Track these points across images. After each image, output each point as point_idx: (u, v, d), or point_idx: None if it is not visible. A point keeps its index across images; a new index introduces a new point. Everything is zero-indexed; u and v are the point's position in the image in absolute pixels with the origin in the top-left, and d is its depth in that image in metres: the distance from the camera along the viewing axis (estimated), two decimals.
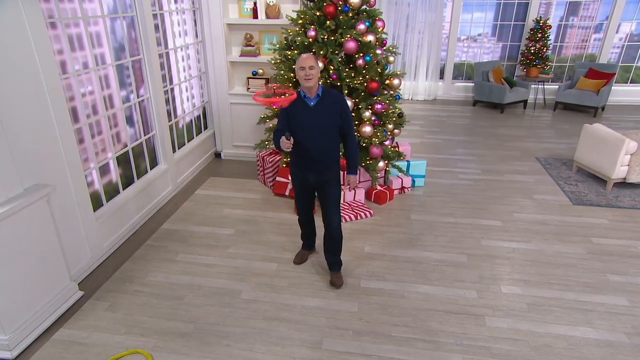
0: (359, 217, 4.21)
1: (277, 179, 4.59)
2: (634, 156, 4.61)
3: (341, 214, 3.59)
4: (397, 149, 4.64)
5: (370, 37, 3.92)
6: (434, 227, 4.07)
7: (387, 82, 4.22)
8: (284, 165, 4.60)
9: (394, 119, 4.36)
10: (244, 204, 4.51)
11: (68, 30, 3.19)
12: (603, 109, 7.99)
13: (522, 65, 8.39)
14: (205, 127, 5.70)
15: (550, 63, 8.36)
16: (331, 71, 3.95)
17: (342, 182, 3.20)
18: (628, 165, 4.67)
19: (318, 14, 3.99)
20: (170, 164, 4.62)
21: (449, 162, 5.62)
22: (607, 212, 4.36)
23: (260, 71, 5.24)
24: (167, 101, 4.57)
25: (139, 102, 4.12)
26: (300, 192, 3.21)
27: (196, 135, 5.44)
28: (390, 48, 4.27)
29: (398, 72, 4.31)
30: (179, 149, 4.96)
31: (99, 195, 3.65)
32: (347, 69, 4.00)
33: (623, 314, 2.99)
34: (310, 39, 3.98)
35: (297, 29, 4.15)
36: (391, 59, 4.24)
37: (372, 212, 4.28)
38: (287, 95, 2.79)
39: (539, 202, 4.57)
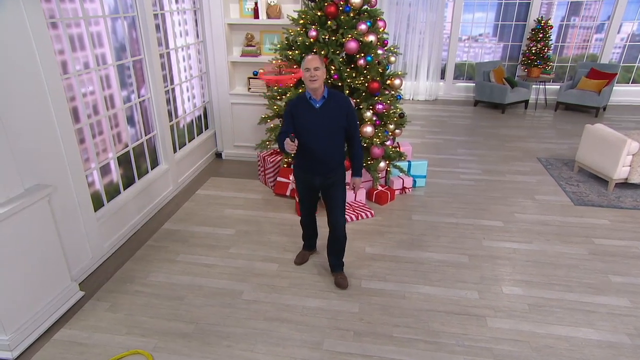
0: (360, 218, 4.20)
1: (278, 179, 4.58)
2: (636, 157, 4.60)
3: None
4: (398, 149, 4.63)
5: (371, 37, 3.91)
6: (435, 228, 4.07)
7: (388, 82, 4.21)
8: (285, 166, 4.59)
9: (395, 119, 4.35)
10: (245, 204, 4.50)
11: (69, 30, 3.19)
12: (604, 109, 7.97)
13: (524, 66, 8.38)
14: (206, 127, 5.70)
15: (551, 63, 8.34)
16: (332, 71, 3.94)
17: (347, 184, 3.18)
18: (630, 166, 4.66)
19: (319, 14, 3.98)
20: (171, 164, 4.61)
21: (450, 163, 5.61)
22: (609, 212, 4.35)
23: (261, 71, 5.23)
24: (168, 101, 4.56)
25: (139, 102, 4.11)
26: (304, 194, 3.19)
27: (197, 136, 5.43)
28: (392, 48, 4.26)
29: (399, 72, 4.30)
30: (179, 149, 4.96)
31: (99, 195, 3.65)
32: (348, 69, 3.99)
33: (625, 315, 2.98)
34: (312, 39, 3.97)
35: (298, 29, 4.14)
36: (392, 59, 4.23)
37: (373, 212, 4.27)
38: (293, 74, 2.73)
39: (540, 202, 4.56)
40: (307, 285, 3.28)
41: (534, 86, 8.33)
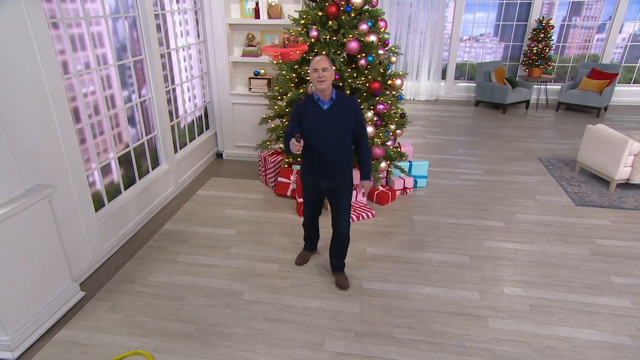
0: (361, 218, 4.20)
1: (279, 179, 4.58)
2: (638, 157, 4.58)
3: None
4: (399, 149, 4.62)
5: (372, 38, 3.90)
6: (436, 228, 4.06)
7: (390, 82, 4.21)
8: (286, 166, 4.59)
9: (396, 119, 4.35)
10: (246, 205, 4.50)
11: (70, 31, 3.18)
12: (606, 109, 7.96)
13: (525, 66, 8.37)
14: (207, 128, 5.69)
15: (552, 63, 8.33)
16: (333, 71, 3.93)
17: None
18: (631, 166, 4.64)
19: (320, 14, 3.98)
20: (172, 164, 4.61)
21: (451, 163, 5.61)
22: (610, 213, 4.34)
23: (262, 71, 5.23)
24: (168, 101, 4.56)
25: (140, 102, 4.11)
26: (310, 197, 3.16)
27: (198, 136, 5.43)
28: (393, 48, 4.25)
29: (400, 73, 4.30)
30: (180, 149, 4.96)
31: (100, 195, 3.65)
32: (349, 69, 3.99)
33: (627, 316, 2.97)
34: (313, 39, 3.96)
35: (299, 29, 4.14)
36: (393, 59, 4.22)
37: (374, 212, 4.27)
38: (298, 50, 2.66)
39: (541, 203, 4.55)
40: (308, 285, 3.28)
41: (535, 86, 8.32)
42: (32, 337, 2.72)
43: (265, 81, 5.19)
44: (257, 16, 4.96)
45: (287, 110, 4.31)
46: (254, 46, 5.13)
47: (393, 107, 4.29)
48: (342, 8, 3.90)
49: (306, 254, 3.56)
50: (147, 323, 2.90)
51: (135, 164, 4.08)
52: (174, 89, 4.74)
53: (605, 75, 7.63)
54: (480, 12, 8.64)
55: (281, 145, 4.76)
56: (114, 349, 2.69)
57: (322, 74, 2.70)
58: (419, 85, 8.94)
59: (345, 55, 4.06)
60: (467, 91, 8.97)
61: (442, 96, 9.12)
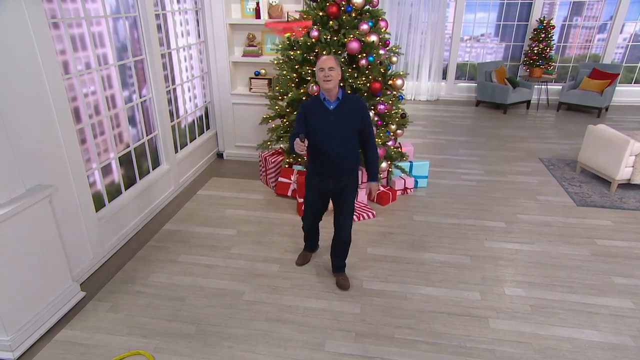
0: (361, 218, 4.19)
1: (280, 179, 4.58)
2: (639, 157, 4.58)
3: None
4: (399, 149, 4.62)
5: (373, 38, 3.90)
6: (437, 228, 4.06)
7: (390, 82, 4.20)
8: (286, 166, 4.59)
9: (397, 119, 4.34)
10: (246, 205, 4.50)
11: (71, 31, 3.18)
12: (607, 109, 7.95)
13: (525, 66, 8.36)
14: (208, 128, 5.69)
15: (553, 63, 8.33)
16: None
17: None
18: (632, 167, 4.64)
19: (321, 14, 3.97)
20: (173, 164, 4.61)
21: (451, 163, 5.60)
22: (611, 213, 4.33)
23: (263, 71, 5.23)
24: (169, 101, 4.56)
25: (141, 102, 4.11)
26: (313, 200, 3.10)
27: (198, 136, 5.43)
28: (393, 48, 4.25)
29: (401, 73, 4.29)
30: (181, 149, 4.96)
31: (101, 195, 3.64)
32: (350, 69, 3.98)
33: (628, 316, 2.96)
34: (313, 39, 3.96)
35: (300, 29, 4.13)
36: (394, 59, 4.22)
37: (374, 213, 4.26)
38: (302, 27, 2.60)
39: (542, 203, 4.55)
40: (309, 286, 3.27)
41: (535, 86, 8.31)
42: (32, 337, 2.72)
43: (266, 81, 5.18)
44: (258, 16, 4.96)
45: (287, 110, 4.31)
46: (255, 46, 5.13)
47: (394, 107, 4.28)
48: (342, 8, 3.90)
49: (307, 255, 3.55)
50: (148, 323, 2.90)
51: (136, 164, 4.08)
52: (174, 89, 4.74)
53: (606, 75, 7.62)
54: (481, 12, 8.64)
55: (282, 145, 4.76)
56: (114, 349, 2.69)
57: (329, 73, 2.67)
58: (419, 86, 8.94)
59: (346, 55, 4.06)
60: (468, 91, 8.97)
61: (442, 96, 9.11)
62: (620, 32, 8.15)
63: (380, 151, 4.15)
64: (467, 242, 3.83)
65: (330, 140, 2.79)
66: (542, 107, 8.32)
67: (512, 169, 5.43)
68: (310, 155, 2.88)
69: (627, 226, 4.09)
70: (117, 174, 3.84)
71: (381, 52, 4.03)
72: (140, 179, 4.17)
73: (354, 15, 3.94)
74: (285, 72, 4.23)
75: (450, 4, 8.47)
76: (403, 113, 4.43)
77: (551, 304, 3.08)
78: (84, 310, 3.02)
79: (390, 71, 4.26)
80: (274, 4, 4.90)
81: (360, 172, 3.04)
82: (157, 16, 4.22)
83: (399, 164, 4.63)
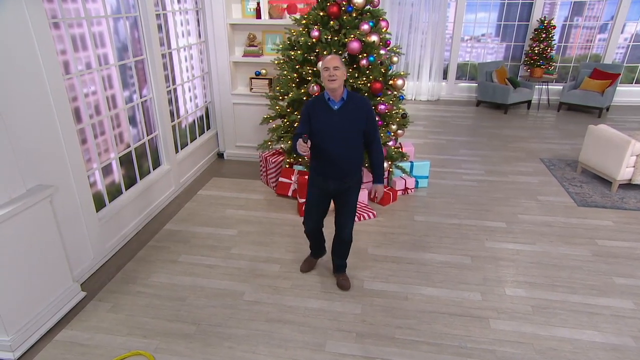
0: (362, 218, 4.19)
1: (280, 179, 4.57)
2: None
3: None
4: (400, 149, 4.62)
5: (374, 38, 3.89)
6: (438, 229, 4.05)
7: (391, 82, 4.20)
8: (287, 166, 4.59)
9: (398, 119, 4.34)
10: (247, 205, 4.50)
11: (71, 31, 3.18)
12: (608, 109, 7.94)
13: (526, 66, 8.36)
14: (208, 128, 5.69)
15: (554, 63, 8.32)
16: None
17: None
18: (633, 167, 4.63)
19: (321, 14, 3.97)
20: (173, 164, 4.61)
21: (452, 163, 5.60)
22: (612, 213, 4.33)
23: (264, 71, 5.23)
24: (170, 101, 4.56)
25: (142, 102, 4.11)
26: (315, 201, 3.02)
27: (199, 136, 5.43)
28: (394, 48, 4.24)
29: (401, 73, 4.29)
30: (181, 149, 4.96)
31: (101, 195, 3.64)
32: (350, 69, 3.98)
33: (629, 317, 2.96)
34: (314, 39, 3.96)
35: (301, 29, 4.13)
36: (395, 59, 4.22)
37: (375, 213, 4.26)
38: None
39: (543, 203, 4.54)
40: (309, 286, 3.27)
41: (536, 86, 8.30)
42: (33, 338, 2.72)
43: (267, 81, 5.18)
44: (259, 16, 4.96)
45: (288, 110, 4.30)
46: (255, 46, 5.13)
47: (394, 107, 4.28)
48: (343, 8, 3.90)
49: (312, 261, 3.45)
50: (148, 323, 2.90)
51: (136, 164, 4.08)
52: (175, 89, 4.74)
53: (607, 76, 7.61)
54: (482, 12, 8.63)
55: (282, 145, 4.76)
56: (114, 350, 2.69)
57: (334, 72, 2.63)
58: (420, 86, 8.93)
59: (346, 55, 4.05)
60: (469, 91, 8.96)
61: (443, 96, 9.10)
62: (621, 32, 8.14)
63: None
64: (468, 243, 3.83)
65: (333, 141, 2.75)
66: (542, 107, 8.31)
67: (512, 169, 5.42)
68: (313, 155, 2.85)
69: (628, 226, 4.09)
70: (117, 174, 3.84)
71: (382, 52, 4.03)
72: (140, 179, 4.17)
73: (354, 15, 3.93)
74: (285, 72, 4.23)
75: (451, 4, 8.46)
76: (404, 113, 4.43)
77: (552, 305, 3.07)
78: (85, 311, 3.02)
79: (391, 71, 4.26)
80: (274, 4, 4.89)
81: (362, 171, 3.00)
82: (158, 16, 4.22)
83: (400, 164, 4.62)
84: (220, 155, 5.82)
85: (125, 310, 3.02)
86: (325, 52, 3.91)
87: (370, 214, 4.22)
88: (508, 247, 3.76)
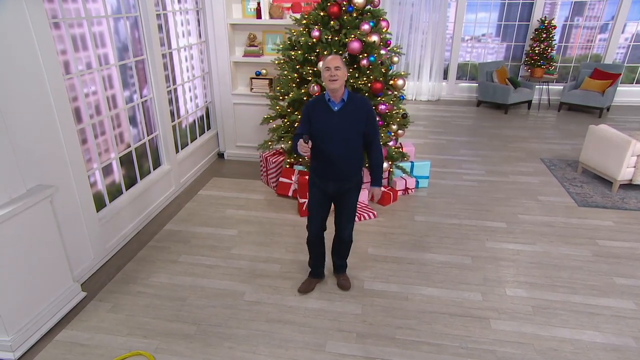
0: (362, 219, 4.19)
1: (280, 179, 4.57)
2: None
3: None
4: (400, 149, 4.61)
5: (374, 38, 3.89)
6: (438, 229, 4.05)
7: (391, 82, 4.20)
8: (287, 166, 4.58)
9: (398, 119, 4.34)
10: (247, 205, 4.49)
11: (72, 31, 3.18)
12: (608, 109, 7.93)
13: (527, 66, 8.35)
14: (209, 128, 5.69)
15: (554, 63, 8.31)
16: None
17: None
18: (634, 167, 4.63)
19: (322, 14, 3.97)
20: (173, 164, 4.61)
21: (453, 163, 5.59)
22: (613, 214, 4.32)
23: (264, 71, 5.22)
24: (170, 101, 4.56)
25: (142, 102, 4.11)
26: (316, 203, 2.95)
27: (199, 136, 5.43)
28: (395, 48, 4.24)
29: (402, 73, 4.29)
30: (182, 149, 4.95)
31: (102, 195, 3.64)
32: (351, 69, 3.98)
33: (630, 317, 2.95)
34: (314, 39, 3.96)
35: (301, 29, 4.13)
36: (395, 59, 4.21)
37: (375, 213, 4.26)
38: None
39: (544, 203, 4.54)
40: None
41: (537, 86, 8.29)
42: (33, 338, 2.72)
43: (267, 81, 5.18)
44: (259, 16, 4.96)
45: (288, 110, 4.30)
46: (256, 46, 5.12)
47: (395, 108, 4.28)
48: (344, 8, 3.89)
49: (312, 282, 3.25)
50: (148, 324, 2.89)
51: (137, 164, 4.08)
52: (175, 89, 4.74)
53: (607, 76, 7.60)
54: (482, 12, 8.63)
55: (282, 145, 4.76)
56: (115, 350, 2.68)
57: (335, 72, 2.60)
58: (420, 86, 8.93)
59: (347, 55, 4.05)
60: (469, 91, 8.96)
61: (443, 96, 9.10)
62: (622, 32, 8.14)
63: None
64: (468, 243, 3.82)
65: (333, 143, 2.72)
66: (543, 107, 8.30)
67: (513, 169, 5.42)
68: (312, 156, 2.82)
69: (629, 227, 4.08)
70: (117, 174, 3.84)
71: (382, 52, 4.03)
72: (141, 179, 4.17)
73: (355, 15, 3.93)
74: (286, 72, 4.23)
75: (451, 4, 8.46)
76: (404, 113, 4.42)
77: (553, 305, 3.07)
78: (85, 311, 3.02)
79: (391, 71, 4.26)
80: (274, 4, 4.89)
81: (362, 172, 2.98)
82: (158, 16, 4.22)
83: (400, 164, 4.62)
84: (220, 155, 5.82)
85: (125, 310, 3.02)
86: (325, 52, 3.91)
87: (370, 214, 4.22)
88: (508, 247, 3.75)
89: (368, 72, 3.98)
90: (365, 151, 2.89)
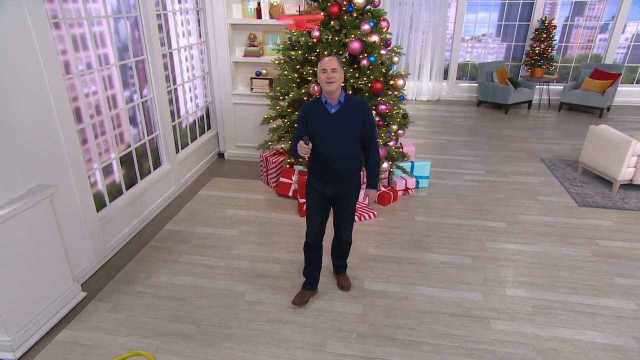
0: (362, 219, 4.19)
1: (281, 179, 4.57)
2: None
3: None
4: (401, 149, 4.61)
5: (374, 38, 3.89)
6: (438, 229, 4.05)
7: (392, 82, 4.20)
8: (287, 166, 4.58)
9: (398, 119, 4.34)
10: (247, 205, 4.49)
11: (72, 31, 3.18)
12: (608, 109, 7.93)
13: (527, 66, 8.35)
14: (209, 128, 5.69)
15: (555, 63, 8.31)
16: None
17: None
18: (634, 167, 4.63)
19: (322, 14, 3.97)
20: (174, 164, 4.61)
21: (453, 163, 5.59)
22: (613, 214, 4.32)
23: (264, 71, 5.22)
24: (170, 101, 4.56)
25: (142, 102, 4.11)
26: (315, 206, 2.89)
27: (199, 136, 5.43)
28: (395, 48, 4.24)
29: (402, 73, 4.28)
30: (182, 149, 4.95)
31: (102, 195, 3.64)
32: (351, 70, 3.98)
33: (630, 317, 2.95)
34: (315, 39, 3.96)
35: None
36: (395, 59, 4.21)
37: (375, 213, 4.26)
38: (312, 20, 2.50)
39: (544, 203, 4.54)
40: None
41: (537, 86, 8.29)
42: (33, 338, 2.72)
43: (267, 81, 5.18)
44: (259, 16, 4.96)
45: (288, 110, 4.30)
46: (256, 46, 5.12)
47: (395, 108, 4.28)
48: (344, 8, 3.89)
49: (305, 294, 3.11)
50: (149, 324, 2.89)
51: (137, 164, 4.08)
52: (175, 89, 4.74)
53: (607, 76, 7.60)
54: (483, 12, 8.62)
55: (283, 145, 4.76)
56: (115, 350, 2.68)
57: (332, 74, 2.57)
58: (421, 86, 8.93)
59: (347, 55, 4.05)
60: (469, 91, 8.96)
61: (444, 96, 9.10)
62: (622, 32, 8.14)
63: (381, 151, 4.14)
64: (468, 243, 3.82)
65: (330, 146, 2.69)
66: (543, 107, 8.30)
67: (513, 169, 5.42)
68: (310, 158, 2.80)
69: (629, 227, 4.08)
70: (118, 174, 3.84)
71: (382, 52, 4.02)
72: (141, 179, 4.17)
73: (355, 15, 3.93)
74: (286, 72, 4.23)
75: (452, 4, 8.46)
76: (404, 113, 4.42)
77: (553, 305, 3.07)
78: (85, 311, 3.02)
79: (391, 71, 4.26)
80: (275, 4, 4.89)
81: (362, 174, 2.97)
82: (158, 16, 4.22)
83: (400, 164, 4.62)
84: (220, 155, 5.82)
85: (125, 310, 3.02)
86: (325, 52, 3.91)
87: (370, 214, 4.22)
88: (509, 248, 3.75)
89: (368, 72, 3.98)
90: (363, 153, 2.87)
